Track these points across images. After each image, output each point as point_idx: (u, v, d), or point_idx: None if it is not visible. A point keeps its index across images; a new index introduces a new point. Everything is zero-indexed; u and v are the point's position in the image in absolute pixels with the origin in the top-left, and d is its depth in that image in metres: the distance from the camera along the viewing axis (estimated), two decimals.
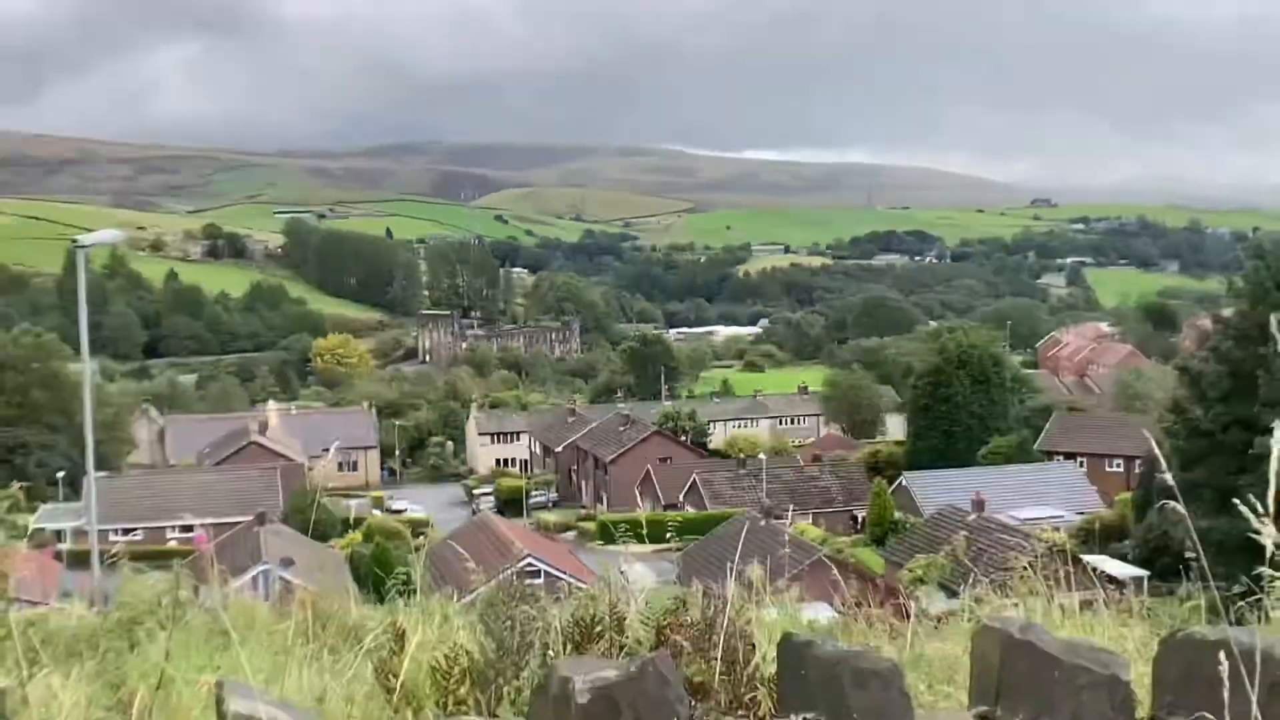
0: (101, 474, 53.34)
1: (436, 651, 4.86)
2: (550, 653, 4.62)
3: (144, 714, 4.24)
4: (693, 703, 3.24)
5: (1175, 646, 3.47)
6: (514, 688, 4.41)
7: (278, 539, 52.52)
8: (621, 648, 4.75)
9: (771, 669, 3.99)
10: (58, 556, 52.17)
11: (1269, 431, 3.53)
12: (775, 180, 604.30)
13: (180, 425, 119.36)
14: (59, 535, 63.96)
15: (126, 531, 66.75)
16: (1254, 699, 3.08)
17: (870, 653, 3.30)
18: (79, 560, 41.95)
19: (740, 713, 4.14)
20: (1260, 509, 3.41)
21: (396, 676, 4.75)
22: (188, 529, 64.48)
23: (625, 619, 5.01)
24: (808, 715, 3.17)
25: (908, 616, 6.86)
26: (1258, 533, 3.47)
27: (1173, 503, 5.19)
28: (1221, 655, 3.14)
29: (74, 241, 27.95)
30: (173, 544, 61.86)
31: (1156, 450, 7.45)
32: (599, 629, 4.93)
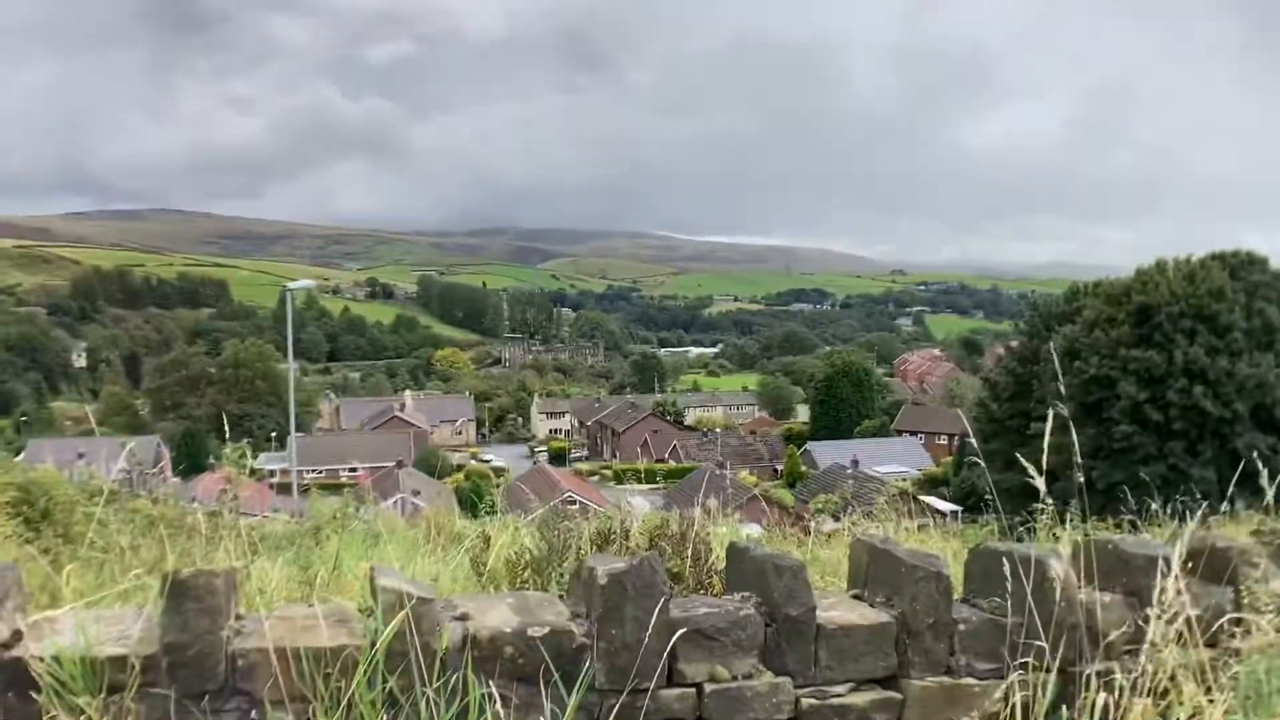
0: (299, 434, 53.32)
1: (510, 550, 4.86)
2: (582, 551, 4.63)
3: (323, 587, 4.24)
4: (671, 585, 3.23)
5: (978, 554, 3.47)
6: (559, 573, 4.41)
7: (410, 477, 52.46)
8: (627, 549, 4.75)
9: (722, 564, 3.99)
10: (270, 487, 51.85)
11: (1041, 419, 3.59)
12: (728, 255, 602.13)
13: (349, 404, 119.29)
14: (271, 473, 63.60)
15: (315, 471, 66.72)
16: (1028, 589, 3.10)
17: (785, 555, 3.30)
18: (283, 489, 41.85)
19: (702, 592, 4.14)
20: (1033, 470, 3.43)
21: (485, 565, 4.75)
22: (353, 470, 64.46)
23: (629, 531, 5.01)
24: (745, 594, 3.16)
25: (809, 533, 6.85)
26: (1034, 481, 3.49)
27: (978, 462, 5.20)
28: (1005, 560, 3.16)
29: (284, 287, 28.05)
30: (343, 479, 61.77)
31: (969, 429, 7.47)
32: (612, 537, 4.93)
